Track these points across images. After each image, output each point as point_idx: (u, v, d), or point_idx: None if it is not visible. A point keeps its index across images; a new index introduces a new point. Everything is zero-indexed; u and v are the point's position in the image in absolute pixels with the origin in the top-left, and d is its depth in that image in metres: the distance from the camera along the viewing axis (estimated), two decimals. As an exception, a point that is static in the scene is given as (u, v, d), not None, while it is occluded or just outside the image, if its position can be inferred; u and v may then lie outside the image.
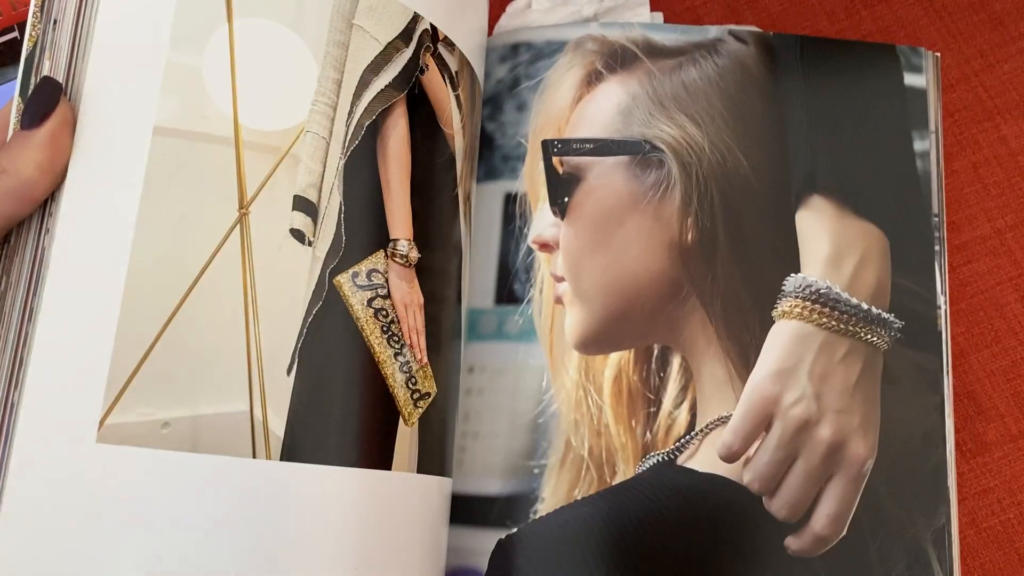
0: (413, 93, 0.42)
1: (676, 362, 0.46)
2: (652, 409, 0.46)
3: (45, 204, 0.35)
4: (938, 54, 0.52)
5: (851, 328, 0.44)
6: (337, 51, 0.40)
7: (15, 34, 0.56)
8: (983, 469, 0.50)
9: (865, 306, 0.44)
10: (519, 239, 0.48)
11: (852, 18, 0.57)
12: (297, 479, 0.37)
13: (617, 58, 0.49)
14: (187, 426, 0.35)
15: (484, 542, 0.45)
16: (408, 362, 0.41)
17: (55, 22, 0.36)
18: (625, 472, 0.45)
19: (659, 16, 0.56)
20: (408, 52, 0.42)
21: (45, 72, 0.36)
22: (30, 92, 0.35)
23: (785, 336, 0.44)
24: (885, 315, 0.45)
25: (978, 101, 0.56)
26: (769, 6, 0.58)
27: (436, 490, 0.43)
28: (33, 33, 0.36)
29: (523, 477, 0.45)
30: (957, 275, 0.53)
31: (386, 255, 0.41)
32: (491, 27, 0.56)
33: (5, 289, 0.35)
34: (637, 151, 0.46)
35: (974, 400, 0.51)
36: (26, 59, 0.36)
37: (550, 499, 0.45)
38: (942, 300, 0.47)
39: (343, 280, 0.39)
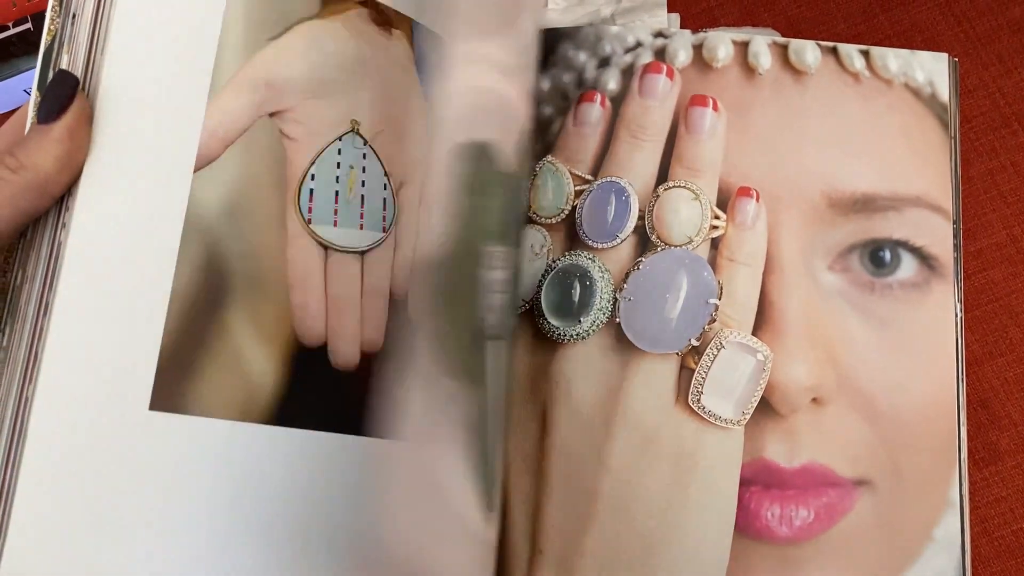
0: None
1: None
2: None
3: (61, 199, 0.35)
4: (956, 59, 0.52)
5: None
6: None
7: (28, 25, 0.56)
8: (996, 478, 0.50)
9: None
10: None
11: (870, 22, 0.57)
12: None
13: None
14: None
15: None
16: None
17: (74, 16, 0.36)
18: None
19: (676, 18, 0.55)
20: None
21: (64, 65, 0.36)
22: (46, 87, 0.35)
23: None
24: None
25: (995, 108, 0.55)
26: (786, 9, 0.58)
27: None
28: (52, 27, 0.36)
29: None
30: (972, 282, 0.53)
31: None
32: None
33: (21, 283, 0.35)
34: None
35: (987, 409, 0.51)
36: (44, 53, 0.36)
37: None
38: (958, 308, 0.47)
39: None
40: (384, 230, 0.39)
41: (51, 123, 0.34)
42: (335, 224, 0.38)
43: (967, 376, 0.51)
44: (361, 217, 0.39)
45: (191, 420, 0.35)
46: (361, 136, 0.39)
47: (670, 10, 0.56)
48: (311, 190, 0.38)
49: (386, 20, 0.40)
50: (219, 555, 0.35)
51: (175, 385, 0.34)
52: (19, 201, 0.34)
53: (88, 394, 0.34)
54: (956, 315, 0.47)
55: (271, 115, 0.37)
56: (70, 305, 0.34)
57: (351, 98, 0.39)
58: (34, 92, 0.36)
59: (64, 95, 0.34)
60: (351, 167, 0.39)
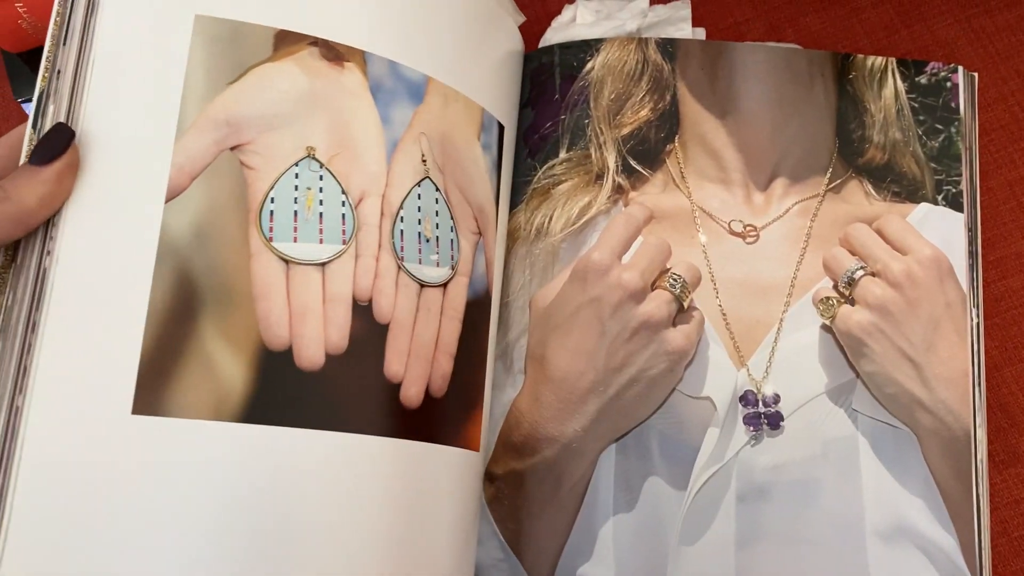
0: None
1: None
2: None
3: (47, 228, 0.39)
4: (975, 74, 0.53)
5: None
6: None
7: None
8: (1016, 480, 0.51)
9: None
10: None
11: (891, 37, 0.59)
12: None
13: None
14: None
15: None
16: None
17: (59, 72, 0.41)
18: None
19: (701, 32, 0.57)
20: None
21: (49, 115, 0.40)
22: (44, 135, 0.40)
23: None
24: None
25: (1015, 120, 0.57)
26: (810, 24, 0.60)
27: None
28: (42, 83, 0.41)
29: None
30: (991, 290, 0.54)
31: None
32: (536, 40, 0.58)
33: (11, 304, 0.39)
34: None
35: (1007, 412, 0.52)
36: (36, 100, 0.41)
37: None
38: (975, 313, 0.48)
39: None
40: (344, 242, 0.43)
41: (43, 166, 0.39)
42: (295, 240, 0.42)
43: (987, 381, 0.52)
44: (320, 232, 0.43)
45: (169, 422, 0.39)
46: (317, 160, 0.43)
47: (695, 24, 0.58)
48: (271, 211, 0.42)
49: (337, 55, 0.44)
50: (202, 547, 0.38)
51: (154, 391, 0.39)
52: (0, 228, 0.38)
53: (75, 402, 0.38)
54: (972, 320, 0.48)
55: (232, 149, 0.42)
56: (57, 322, 0.39)
57: (305, 127, 0.43)
58: (28, 130, 0.40)
59: (59, 144, 0.39)
60: (308, 188, 0.43)
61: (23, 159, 0.40)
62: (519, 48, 0.54)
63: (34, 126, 0.40)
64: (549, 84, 0.53)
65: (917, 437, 0.47)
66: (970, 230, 0.50)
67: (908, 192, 0.51)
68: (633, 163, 0.52)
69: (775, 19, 0.60)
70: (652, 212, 0.51)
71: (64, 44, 0.41)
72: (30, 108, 0.59)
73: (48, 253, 0.39)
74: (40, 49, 0.59)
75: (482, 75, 0.50)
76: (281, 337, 0.41)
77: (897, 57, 0.56)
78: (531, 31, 0.56)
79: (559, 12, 0.58)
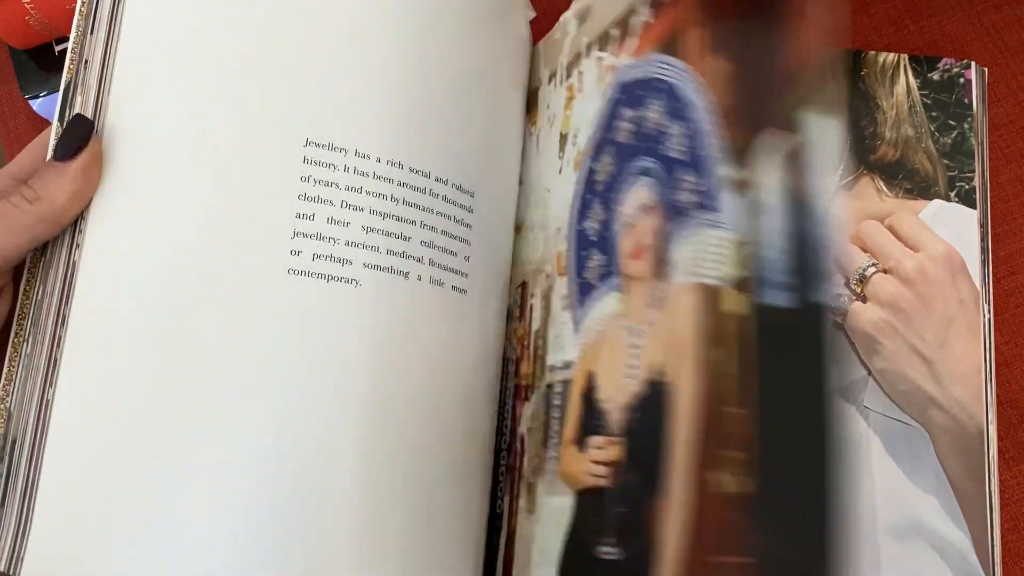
0: None
1: None
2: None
3: (76, 223, 0.39)
4: (985, 68, 0.53)
5: None
6: None
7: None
8: (1025, 476, 0.51)
9: None
10: None
11: (900, 32, 0.59)
12: None
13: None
14: None
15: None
16: None
17: (86, 62, 0.40)
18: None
19: (710, 28, 0.57)
20: None
21: (78, 106, 0.40)
22: (65, 129, 0.39)
23: None
24: None
25: (1024, 115, 0.57)
26: (818, 20, 0.59)
27: None
28: (69, 72, 0.40)
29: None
30: (1001, 286, 0.54)
31: None
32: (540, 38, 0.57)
33: (41, 297, 0.39)
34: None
35: (1017, 408, 0.52)
36: (64, 91, 0.40)
37: None
38: (986, 309, 0.48)
39: None
40: None
41: (67, 161, 0.38)
42: None
43: (996, 376, 0.52)
44: None
45: None
46: None
47: (704, 22, 0.58)
48: None
49: None
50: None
51: None
52: (33, 229, 0.38)
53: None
54: (984, 316, 0.48)
55: None
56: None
57: None
58: (55, 125, 0.40)
59: (80, 137, 0.38)
60: None
61: (50, 150, 0.39)
62: None
63: (60, 119, 0.39)
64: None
65: (929, 434, 0.47)
66: (983, 226, 0.50)
67: (920, 189, 0.51)
68: None
69: (783, 14, 0.60)
70: None
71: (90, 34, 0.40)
72: (35, 104, 0.59)
73: (77, 247, 0.39)
74: (47, 46, 0.59)
75: None
76: None
77: (906, 52, 0.56)
78: (536, 28, 0.55)
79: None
